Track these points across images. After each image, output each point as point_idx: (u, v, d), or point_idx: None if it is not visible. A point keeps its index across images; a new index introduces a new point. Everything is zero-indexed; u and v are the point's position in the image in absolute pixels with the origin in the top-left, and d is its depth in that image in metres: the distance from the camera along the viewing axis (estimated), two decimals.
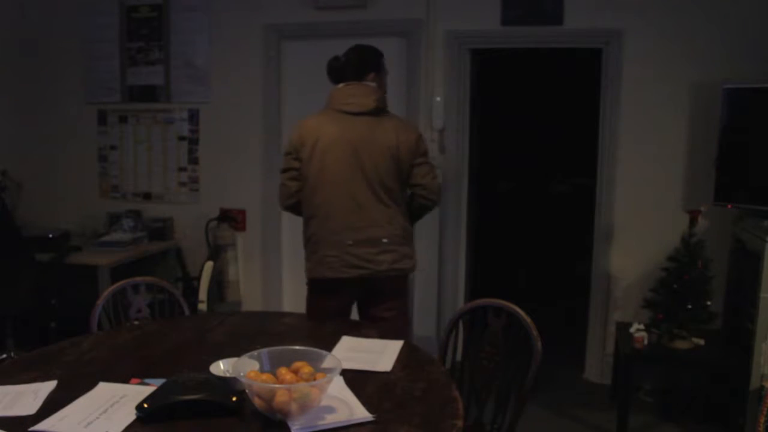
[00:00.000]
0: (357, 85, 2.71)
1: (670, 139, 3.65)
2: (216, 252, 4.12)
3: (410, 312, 2.97)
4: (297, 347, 1.70)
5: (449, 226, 4.04)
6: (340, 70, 2.78)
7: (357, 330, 2.25)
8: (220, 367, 1.76)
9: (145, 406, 1.54)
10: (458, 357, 2.35)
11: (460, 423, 1.55)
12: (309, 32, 4.09)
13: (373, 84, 2.73)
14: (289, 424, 1.50)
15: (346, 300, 2.73)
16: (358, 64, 2.76)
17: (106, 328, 2.46)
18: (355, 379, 1.77)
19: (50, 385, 1.72)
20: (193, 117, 4.37)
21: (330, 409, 1.58)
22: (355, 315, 2.85)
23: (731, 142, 3.30)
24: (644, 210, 3.73)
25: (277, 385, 1.50)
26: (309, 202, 2.68)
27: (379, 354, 1.99)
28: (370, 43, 2.86)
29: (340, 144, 2.61)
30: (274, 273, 4.36)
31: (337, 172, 2.61)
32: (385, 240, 2.61)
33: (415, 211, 2.79)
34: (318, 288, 2.70)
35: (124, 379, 1.76)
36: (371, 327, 2.32)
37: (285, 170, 2.76)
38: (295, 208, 2.78)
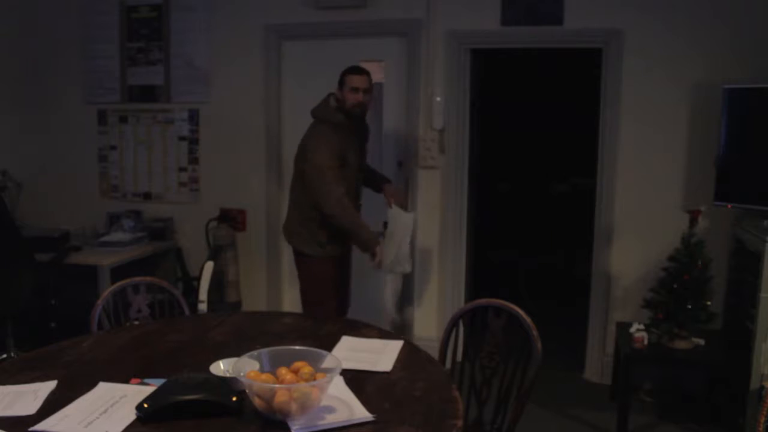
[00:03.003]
0: None
1: (670, 139, 3.65)
2: (216, 252, 4.11)
3: (311, 290, 3.38)
4: (297, 347, 1.70)
5: (449, 226, 4.04)
6: None
7: (357, 330, 2.25)
8: (220, 367, 1.76)
9: (145, 406, 1.54)
10: (458, 357, 2.35)
11: (460, 423, 1.55)
12: (309, 32, 4.10)
13: (327, 98, 3.26)
14: (289, 424, 1.50)
15: None
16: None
17: (106, 328, 2.46)
18: (355, 379, 1.77)
19: (50, 385, 1.72)
20: (193, 117, 4.38)
21: (330, 409, 1.58)
22: None
23: (731, 142, 3.30)
24: (644, 210, 3.73)
25: (277, 385, 1.50)
26: None
27: (379, 354, 1.99)
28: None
29: None
30: (274, 273, 4.36)
31: None
32: (286, 222, 3.40)
33: None
34: None
35: (124, 379, 1.76)
36: (371, 327, 2.32)
37: None
38: None
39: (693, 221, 3.23)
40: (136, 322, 2.48)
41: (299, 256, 3.36)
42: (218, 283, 4.16)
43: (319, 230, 3.23)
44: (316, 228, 3.23)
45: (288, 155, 4.20)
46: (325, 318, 2.56)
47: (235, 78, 4.25)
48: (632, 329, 3.35)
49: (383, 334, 2.23)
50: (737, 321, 3.30)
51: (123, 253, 3.99)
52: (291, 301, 4.40)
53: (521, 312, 2.19)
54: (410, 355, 2.02)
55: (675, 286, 3.19)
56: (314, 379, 1.54)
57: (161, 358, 1.97)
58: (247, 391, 1.55)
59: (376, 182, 3.49)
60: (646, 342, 3.26)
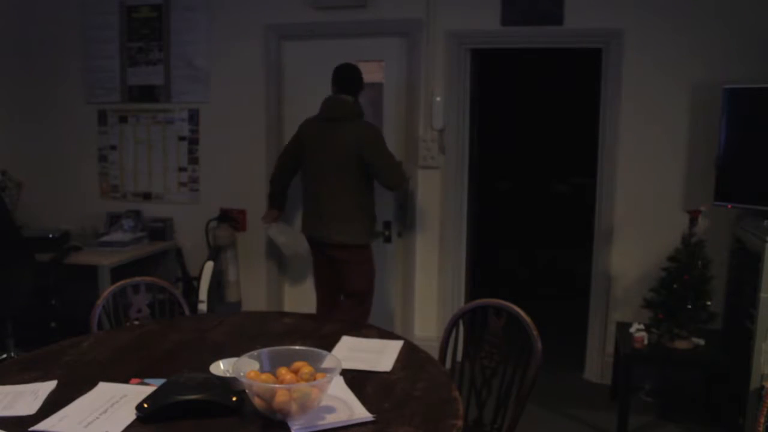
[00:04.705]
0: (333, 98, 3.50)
1: (670, 139, 3.66)
2: (216, 252, 4.12)
3: (361, 281, 3.58)
4: (297, 347, 1.70)
5: (449, 226, 4.04)
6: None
7: (357, 330, 2.25)
8: (220, 367, 1.76)
9: (145, 406, 1.54)
10: (458, 357, 2.35)
11: (460, 423, 1.55)
12: (309, 32, 4.09)
13: (353, 101, 3.46)
14: (289, 424, 1.50)
15: (316, 253, 3.69)
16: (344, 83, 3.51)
17: (106, 328, 2.46)
18: (355, 379, 1.77)
19: (50, 385, 1.72)
20: (193, 117, 4.37)
21: (330, 409, 1.58)
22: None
23: (731, 142, 3.30)
24: (644, 210, 3.73)
25: (277, 385, 1.50)
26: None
27: (379, 354, 1.99)
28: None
29: (315, 142, 3.51)
30: (274, 273, 4.36)
31: (314, 165, 3.52)
32: (326, 216, 3.48)
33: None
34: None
35: (124, 379, 1.76)
36: (371, 327, 2.32)
37: None
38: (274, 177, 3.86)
39: (693, 221, 3.23)
40: (136, 322, 2.48)
41: (354, 250, 3.50)
42: (218, 283, 4.16)
43: (373, 211, 3.57)
44: (372, 209, 3.55)
45: None
46: (326, 318, 2.55)
47: (235, 78, 4.25)
48: (632, 329, 3.35)
49: (383, 334, 2.23)
50: (737, 321, 3.30)
51: (123, 253, 3.99)
52: (291, 301, 4.40)
53: (521, 312, 2.19)
54: (410, 355, 2.02)
55: (675, 286, 3.19)
56: (314, 379, 1.54)
57: (161, 358, 1.97)
58: (247, 391, 1.55)
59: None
60: (646, 342, 3.26)
